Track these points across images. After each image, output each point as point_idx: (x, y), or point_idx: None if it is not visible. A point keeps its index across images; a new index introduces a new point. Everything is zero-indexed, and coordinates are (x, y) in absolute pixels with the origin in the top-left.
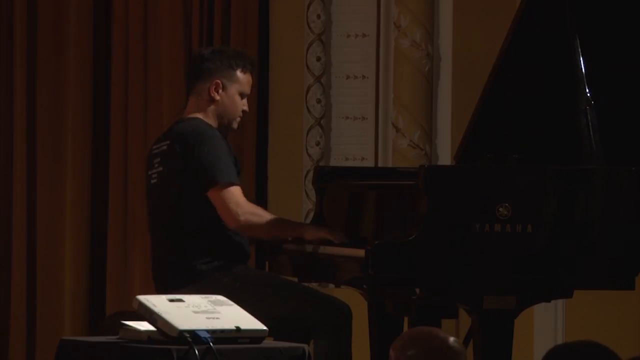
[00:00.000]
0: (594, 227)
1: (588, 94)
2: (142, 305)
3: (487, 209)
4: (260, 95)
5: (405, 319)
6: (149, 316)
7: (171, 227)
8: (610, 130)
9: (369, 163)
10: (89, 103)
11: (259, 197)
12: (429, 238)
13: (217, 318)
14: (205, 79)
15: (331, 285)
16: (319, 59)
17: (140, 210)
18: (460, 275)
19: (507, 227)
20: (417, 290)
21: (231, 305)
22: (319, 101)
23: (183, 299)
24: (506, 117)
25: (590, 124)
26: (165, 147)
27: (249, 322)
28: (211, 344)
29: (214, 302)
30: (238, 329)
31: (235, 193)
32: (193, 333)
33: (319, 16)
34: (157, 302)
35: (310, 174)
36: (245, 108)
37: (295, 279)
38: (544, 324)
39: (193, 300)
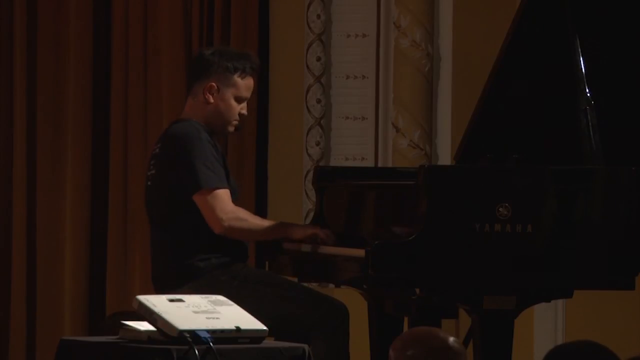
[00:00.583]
0: (594, 227)
1: (588, 94)
2: (142, 305)
3: (487, 209)
4: (260, 95)
5: (405, 319)
6: (149, 316)
7: (167, 227)
8: (610, 130)
9: (369, 163)
10: (89, 103)
11: (259, 197)
12: (429, 238)
13: (217, 318)
14: (202, 81)
15: (331, 285)
16: (319, 59)
17: (140, 210)
18: (460, 275)
19: (507, 227)
20: (417, 290)
21: (231, 305)
22: (319, 101)
23: (183, 299)
24: (506, 117)
25: (590, 124)
26: (158, 150)
27: (249, 322)
28: (211, 344)
29: (214, 302)
30: (238, 329)
31: (220, 197)
32: (193, 333)
33: (319, 16)
34: (157, 302)
35: (310, 174)
36: (243, 112)
37: (295, 279)
38: (544, 324)
39: (193, 300)
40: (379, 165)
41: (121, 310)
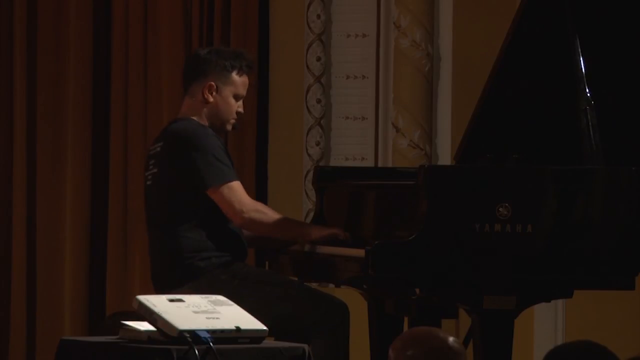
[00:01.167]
0: (594, 227)
1: (588, 94)
2: (142, 305)
3: (487, 209)
4: (260, 95)
5: (405, 319)
6: (149, 316)
7: (167, 226)
8: (610, 130)
9: (369, 163)
10: (89, 103)
11: (259, 197)
12: (429, 238)
13: (217, 318)
14: (200, 80)
15: (331, 285)
16: (319, 59)
17: (140, 210)
18: (460, 275)
19: (507, 227)
20: (417, 290)
21: (231, 305)
22: (319, 101)
23: (183, 299)
24: (506, 117)
25: (590, 124)
26: (158, 149)
27: (249, 322)
28: (211, 344)
29: (214, 302)
30: (238, 329)
31: (237, 190)
32: (193, 333)
33: (319, 16)
34: (157, 302)
35: (310, 174)
36: (240, 109)
37: (296, 279)
38: (544, 324)
39: (193, 300)
40: (379, 165)
41: (121, 310)
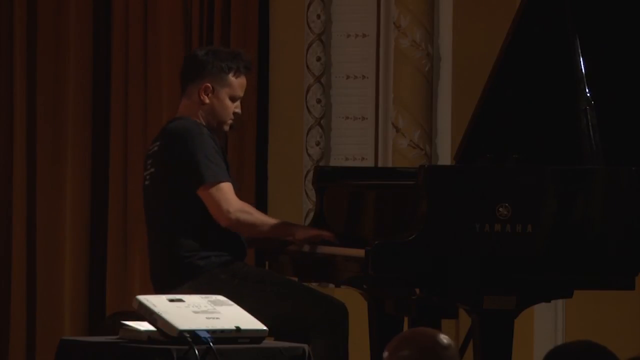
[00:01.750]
0: (594, 227)
1: (588, 94)
2: (142, 305)
3: (487, 209)
4: (260, 95)
5: (405, 319)
6: (149, 316)
7: (166, 225)
8: (610, 130)
9: (369, 163)
10: (89, 103)
11: (259, 197)
12: (429, 238)
13: (217, 318)
14: (196, 82)
15: (331, 285)
16: (319, 59)
17: (140, 210)
18: (460, 275)
19: (507, 227)
20: (417, 290)
21: (231, 305)
22: (319, 101)
23: (183, 299)
24: (506, 117)
25: (590, 124)
26: (156, 148)
27: (249, 322)
28: (211, 344)
29: (214, 302)
30: (238, 329)
31: (225, 190)
32: (193, 333)
33: (319, 16)
34: (157, 302)
35: (310, 174)
36: (238, 110)
37: (295, 279)
38: (544, 324)
39: (193, 300)
40: (379, 165)
41: (121, 310)
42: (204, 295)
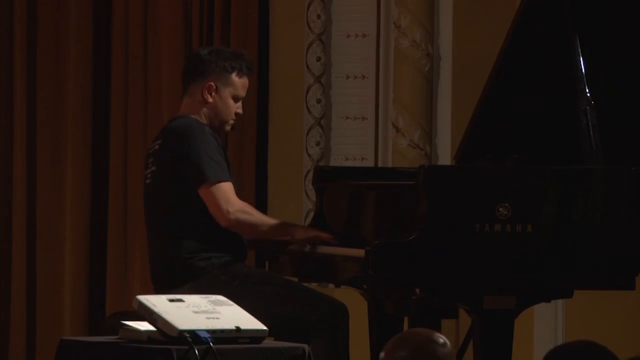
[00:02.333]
0: (594, 227)
1: (588, 94)
2: (142, 305)
3: (487, 209)
4: (260, 95)
5: (405, 319)
6: (149, 316)
7: (167, 225)
8: (610, 130)
9: (369, 163)
10: (89, 103)
11: (259, 197)
12: (429, 238)
13: (217, 318)
14: (199, 81)
15: (331, 285)
16: (319, 59)
17: (140, 210)
18: (460, 275)
19: (507, 227)
20: (417, 290)
21: (231, 305)
22: (319, 101)
23: (183, 299)
24: (506, 117)
25: (590, 124)
26: (157, 147)
27: (249, 322)
28: (211, 344)
29: (214, 302)
30: (238, 329)
31: (225, 190)
32: (193, 333)
33: (319, 16)
34: (157, 302)
35: (310, 174)
36: (239, 111)
37: (295, 279)
38: (544, 324)
39: (193, 300)
40: (379, 165)
41: (121, 310)
42: (204, 295)
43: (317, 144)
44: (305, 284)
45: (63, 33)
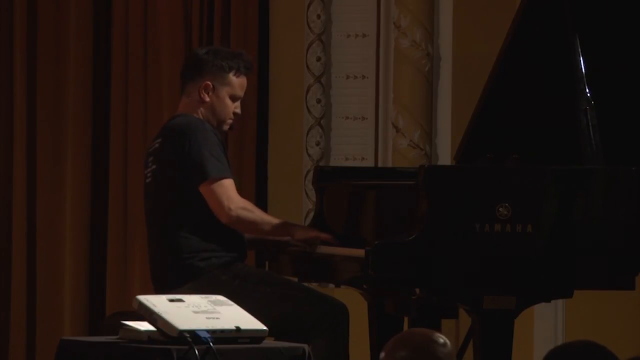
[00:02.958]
0: (594, 227)
1: (588, 94)
2: (142, 305)
3: (487, 209)
4: (260, 95)
5: (405, 319)
6: (149, 316)
7: (167, 224)
8: (610, 130)
9: (369, 163)
10: (89, 103)
11: (259, 197)
12: (429, 238)
13: (217, 318)
14: (196, 80)
15: (331, 285)
16: (319, 59)
17: (140, 210)
18: (460, 275)
19: (507, 227)
20: (417, 290)
21: (231, 305)
22: (319, 101)
23: (183, 299)
24: (506, 117)
25: (590, 124)
26: (157, 145)
27: (249, 322)
28: (211, 344)
29: (214, 302)
30: (238, 329)
31: (227, 186)
32: (193, 333)
33: (319, 16)
34: (157, 302)
35: (310, 174)
36: (237, 111)
37: (295, 279)
38: (544, 324)
39: (193, 300)
40: (379, 165)
41: (121, 310)
42: (204, 295)
43: (317, 144)
44: (305, 284)
45: (63, 33)
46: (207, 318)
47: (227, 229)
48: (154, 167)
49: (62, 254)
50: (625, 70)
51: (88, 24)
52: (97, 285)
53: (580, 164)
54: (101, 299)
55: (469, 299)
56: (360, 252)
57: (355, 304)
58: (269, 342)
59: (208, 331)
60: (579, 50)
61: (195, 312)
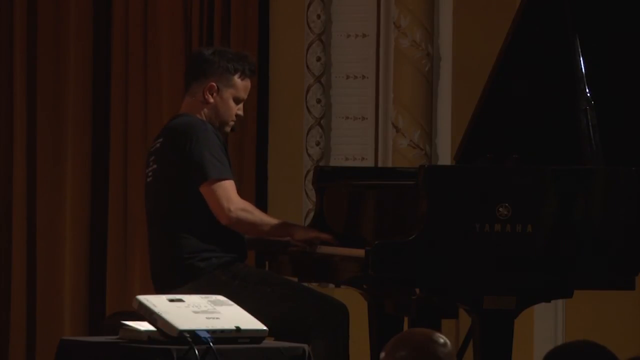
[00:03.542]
0: (594, 227)
1: (588, 94)
2: (142, 305)
3: (487, 209)
4: (260, 95)
5: (405, 319)
6: (149, 316)
7: (167, 224)
8: (610, 130)
9: (369, 163)
10: (89, 103)
11: (259, 197)
12: (429, 238)
13: (217, 318)
14: (201, 80)
15: (331, 285)
16: (319, 59)
17: (140, 210)
18: (460, 275)
19: (507, 227)
20: (417, 290)
21: (231, 305)
22: (319, 101)
23: (183, 299)
24: (506, 117)
25: (590, 124)
26: (158, 145)
27: (249, 322)
28: (211, 344)
29: (214, 302)
30: (238, 329)
31: (227, 188)
32: (193, 333)
33: (319, 16)
34: (157, 302)
35: (310, 174)
36: (240, 113)
37: (295, 279)
38: (544, 324)
39: (193, 300)
40: (379, 165)
41: (121, 310)
42: (204, 295)
43: (317, 144)
44: (305, 284)
45: (63, 33)
46: (207, 318)
47: (228, 229)
48: (155, 166)
49: (62, 254)
50: (625, 70)
51: (88, 24)
52: (97, 285)
53: (580, 164)
54: (101, 299)
55: (469, 299)
56: (360, 252)
57: (355, 304)
58: (269, 342)
59: (208, 331)
60: (579, 50)
61: (195, 312)
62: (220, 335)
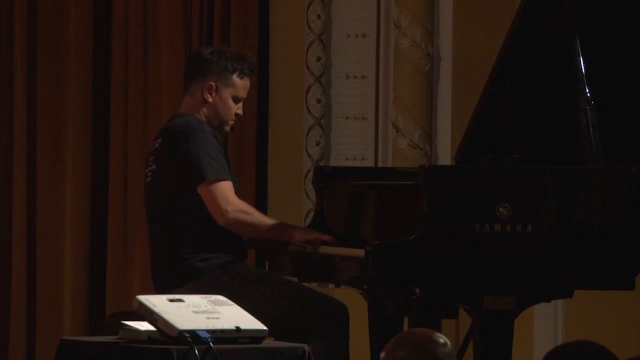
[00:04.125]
0: (594, 227)
1: (588, 94)
2: (142, 305)
3: (487, 209)
4: (260, 95)
5: (405, 319)
6: (149, 316)
7: (167, 224)
8: (610, 130)
9: (369, 163)
10: (89, 103)
11: (259, 197)
12: (429, 238)
13: (217, 318)
14: (200, 80)
15: (331, 285)
16: (319, 59)
17: (140, 210)
18: (460, 275)
19: (507, 227)
20: (417, 290)
21: (231, 305)
22: (319, 101)
23: (183, 299)
24: (506, 117)
25: (590, 124)
26: (157, 145)
27: (249, 322)
28: (211, 344)
29: (214, 302)
30: (238, 329)
31: (225, 189)
32: (193, 333)
33: (319, 16)
34: (157, 302)
35: (310, 174)
36: (239, 112)
37: (295, 279)
38: (544, 324)
39: (193, 300)
40: (379, 165)
41: (121, 310)
42: (204, 295)
43: (317, 144)
44: (305, 284)
45: (63, 33)
46: (207, 318)
47: (226, 229)
48: (154, 167)
49: (62, 254)
50: (625, 70)
51: (88, 24)
52: (97, 285)
53: (580, 164)
54: (101, 299)
55: (469, 299)
56: (360, 252)
57: (355, 304)
58: (269, 342)
59: (208, 331)
60: (579, 50)
61: (195, 312)
62: (220, 335)
